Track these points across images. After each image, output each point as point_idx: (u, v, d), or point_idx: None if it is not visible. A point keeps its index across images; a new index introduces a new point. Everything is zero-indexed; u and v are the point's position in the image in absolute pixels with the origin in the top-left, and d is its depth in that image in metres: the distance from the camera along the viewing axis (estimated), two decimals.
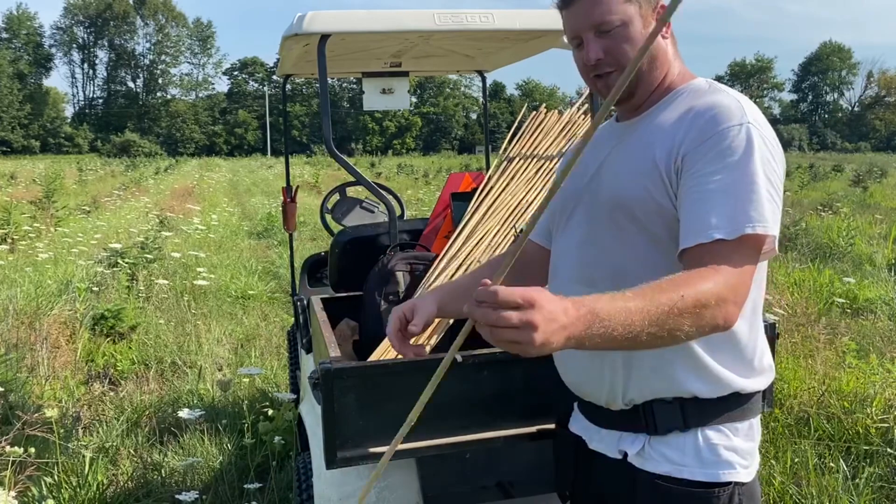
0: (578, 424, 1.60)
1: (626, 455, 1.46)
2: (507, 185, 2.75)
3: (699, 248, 1.29)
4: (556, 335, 1.08)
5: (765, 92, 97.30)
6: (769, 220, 1.29)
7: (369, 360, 2.20)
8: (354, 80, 51.98)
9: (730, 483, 1.39)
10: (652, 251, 1.40)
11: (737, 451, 1.42)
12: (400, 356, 1.65)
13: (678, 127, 1.38)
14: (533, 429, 1.95)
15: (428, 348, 2.26)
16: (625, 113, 1.55)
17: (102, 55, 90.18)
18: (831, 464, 3.50)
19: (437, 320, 2.36)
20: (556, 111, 3.01)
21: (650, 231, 1.40)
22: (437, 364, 1.13)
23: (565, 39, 1.71)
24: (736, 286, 1.26)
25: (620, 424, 1.48)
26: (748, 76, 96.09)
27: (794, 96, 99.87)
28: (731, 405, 1.43)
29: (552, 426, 1.76)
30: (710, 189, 1.31)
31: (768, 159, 1.33)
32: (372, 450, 1.87)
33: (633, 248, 1.41)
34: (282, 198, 4.44)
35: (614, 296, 1.16)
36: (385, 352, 2.24)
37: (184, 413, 3.60)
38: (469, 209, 2.71)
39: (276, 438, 3.41)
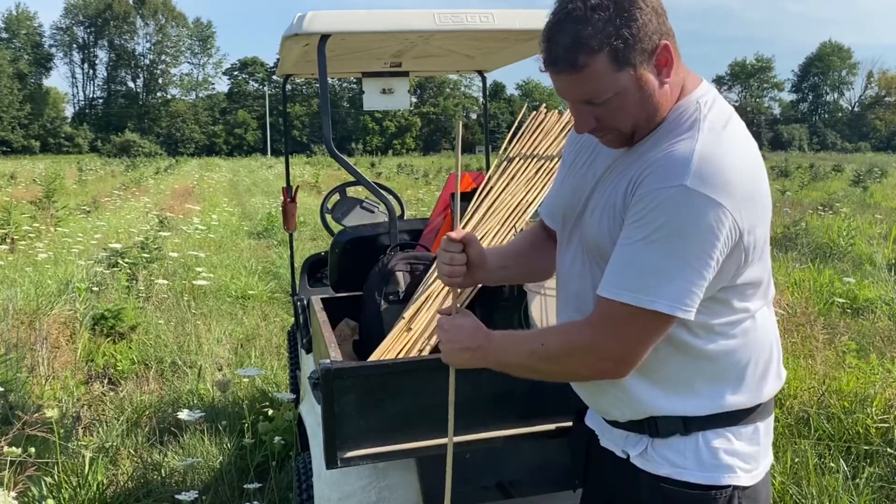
0: (592, 419, 1.62)
1: (629, 455, 1.47)
2: (507, 185, 2.75)
3: (598, 298, 1.35)
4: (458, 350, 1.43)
5: (765, 92, 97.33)
6: (667, 294, 1.26)
7: (369, 360, 2.20)
8: (354, 80, 51.98)
9: (729, 486, 1.40)
10: None
11: (738, 454, 1.42)
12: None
13: (642, 168, 1.34)
14: (532, 429, 1.95)
15: (428, 348, 2.26)
16: None
17: (102, 55, 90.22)
18: (831, 464, 3.50)
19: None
20: (556, 111, 3.00)
21: None
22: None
23: None
24: (613, 345, 1.32)
25: (625, 426, 1.49)
26: (748, 76, 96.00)
27: (794, 96, 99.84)
28: (732, 417, 1.43)
29: (552, 426, 1.76)
30: (618, 246, 1.33)
31: (691, 226, 1.25)
32: (372, 450, 1.87)
33: None
34: (282, 198, 4.44)
35: (512, 333, 1.48)
36: (385, 352, 2.24)
37: (184, 413, 3.60)
38: (469, 209, 2.70)
39: (276, 438, 3.41)
